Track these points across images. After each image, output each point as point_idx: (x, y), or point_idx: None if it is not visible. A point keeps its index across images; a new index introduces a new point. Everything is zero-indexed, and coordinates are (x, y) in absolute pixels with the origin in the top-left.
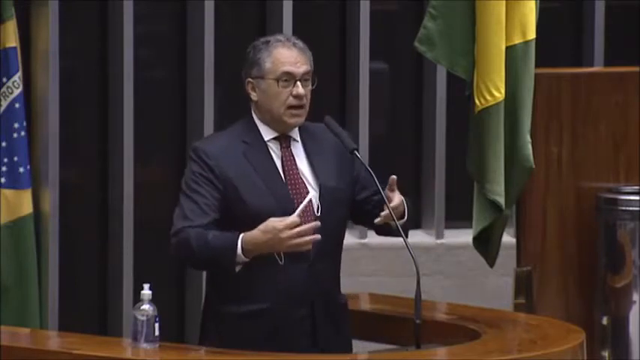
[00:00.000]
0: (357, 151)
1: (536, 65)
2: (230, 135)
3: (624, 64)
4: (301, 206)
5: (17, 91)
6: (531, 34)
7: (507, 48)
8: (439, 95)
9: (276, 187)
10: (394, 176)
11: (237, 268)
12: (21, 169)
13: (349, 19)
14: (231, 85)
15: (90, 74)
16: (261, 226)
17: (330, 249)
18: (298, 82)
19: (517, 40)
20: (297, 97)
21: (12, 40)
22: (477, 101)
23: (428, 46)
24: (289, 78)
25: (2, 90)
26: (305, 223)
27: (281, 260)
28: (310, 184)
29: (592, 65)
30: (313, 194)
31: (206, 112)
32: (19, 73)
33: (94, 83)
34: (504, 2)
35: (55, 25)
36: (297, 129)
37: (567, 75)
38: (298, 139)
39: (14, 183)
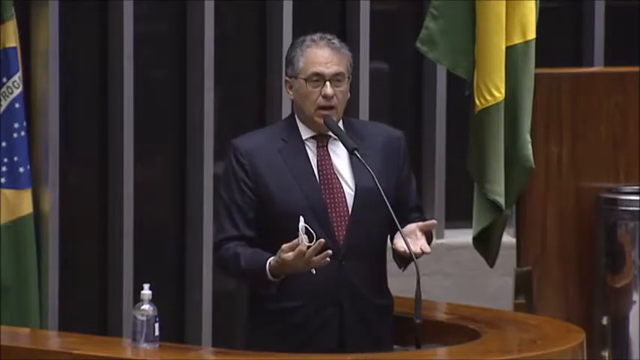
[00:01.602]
0: (358, 151)
1: (536, 65)
2: (270, 132)
3: (624, 64)
4: (302, 231)
5: (17, 91)
6: (531, 34)
7: (507, 48)
8: (439, 95)
9: (308, 186)
10: (435, 222)
11: (274, 287)
12: (21, 169)
13: (349, 19)
14: (231, 85)
15: (90, 74)
16: (278, 260)
17: (362, 249)
18: (327, 83)
19: (517, 40)
20: (326, 97)
21: (12, 40)
22: (477, 101)
23: (429, 47)
24: (319, 78)
25: (2, 90)
26: (338, 222)
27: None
28: (347, 184)
29: (592, 65)
30: (349, 193)
31: (206, 112)
32: (19, 73)
33: (94, 83)
34: (504, 2)
35: (55, 25)
36: (341, 127)
37: (567, 75)
38: None
39: (14, 183)
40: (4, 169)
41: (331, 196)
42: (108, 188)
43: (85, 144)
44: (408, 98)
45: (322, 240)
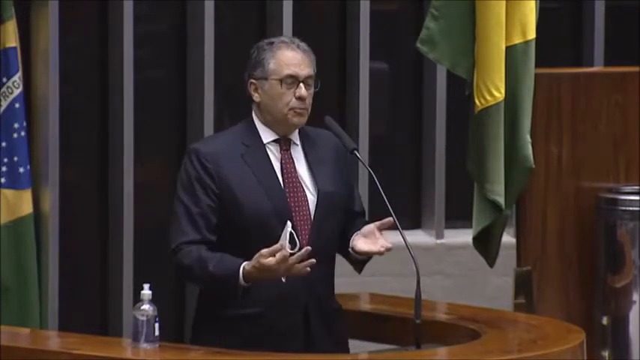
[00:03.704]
0: (357, 151)
1: (536, 65)
2: (229, 136)
3: (624, 64)
4: (285, 236)
5: (17, 91)
6: (531, 34)
7: (507, 48)
8: (439, 95)
9: (274, 190)
10: (391, 219)
11: (242, 293)
12: (21, 169)
13: (349, 19)
14: (231, 85)
15: (90, 74)
16: (256, 265)
17: (323, 254)
18: (301, 84)
19: (517, 40)
20: (300, 98)
21: (12, 40)
22: (476, 101)
23: (430, 47)
24: (293, 80)
25: (2, 90)
26: (302, 226)
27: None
28: (308, 189)
29: (592, 65)
30: (311, 199)
31: (206, 112)
32: (19, 73)
33: (94, 83)
34: (504, 2)
35: (55, 25)
36: (297, 132)
37: (567, 75)
38: (298, 142)
39: (14, 183)
40: (4, 169)
41: (295, 200)
42: (108, 188)
43: (85, 144)
44: (408, 98)
45: (309, 248)
